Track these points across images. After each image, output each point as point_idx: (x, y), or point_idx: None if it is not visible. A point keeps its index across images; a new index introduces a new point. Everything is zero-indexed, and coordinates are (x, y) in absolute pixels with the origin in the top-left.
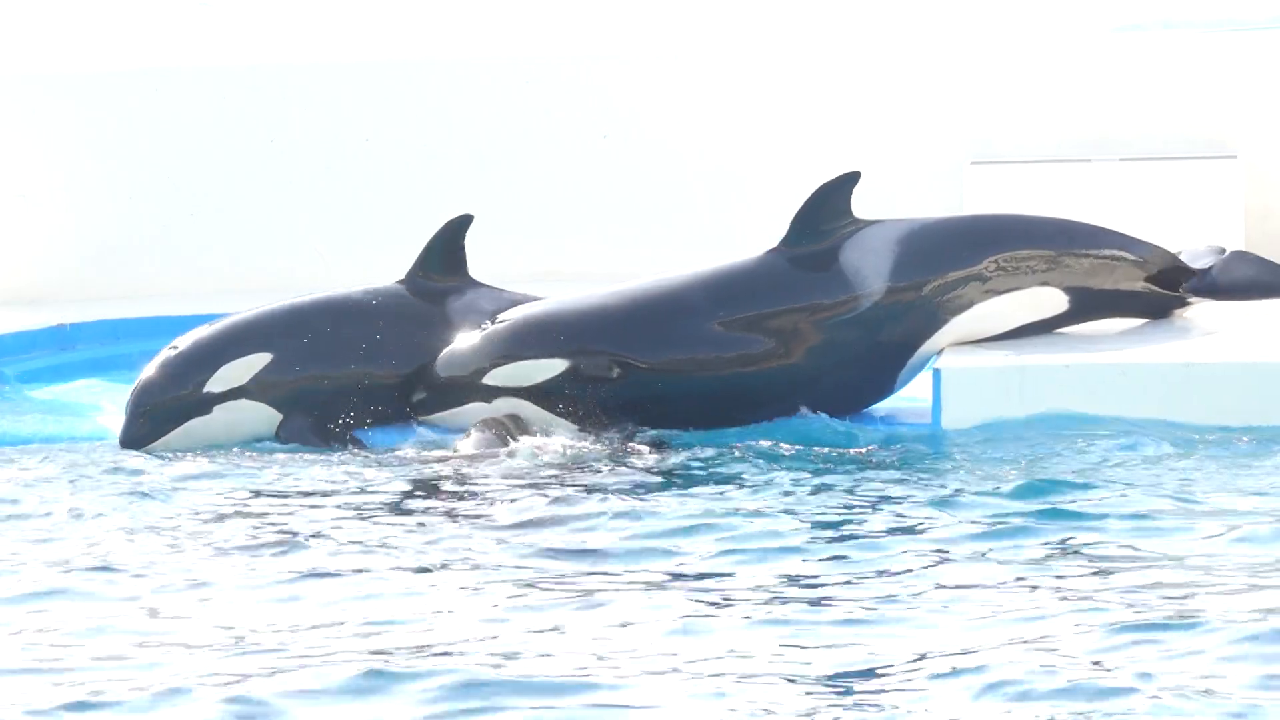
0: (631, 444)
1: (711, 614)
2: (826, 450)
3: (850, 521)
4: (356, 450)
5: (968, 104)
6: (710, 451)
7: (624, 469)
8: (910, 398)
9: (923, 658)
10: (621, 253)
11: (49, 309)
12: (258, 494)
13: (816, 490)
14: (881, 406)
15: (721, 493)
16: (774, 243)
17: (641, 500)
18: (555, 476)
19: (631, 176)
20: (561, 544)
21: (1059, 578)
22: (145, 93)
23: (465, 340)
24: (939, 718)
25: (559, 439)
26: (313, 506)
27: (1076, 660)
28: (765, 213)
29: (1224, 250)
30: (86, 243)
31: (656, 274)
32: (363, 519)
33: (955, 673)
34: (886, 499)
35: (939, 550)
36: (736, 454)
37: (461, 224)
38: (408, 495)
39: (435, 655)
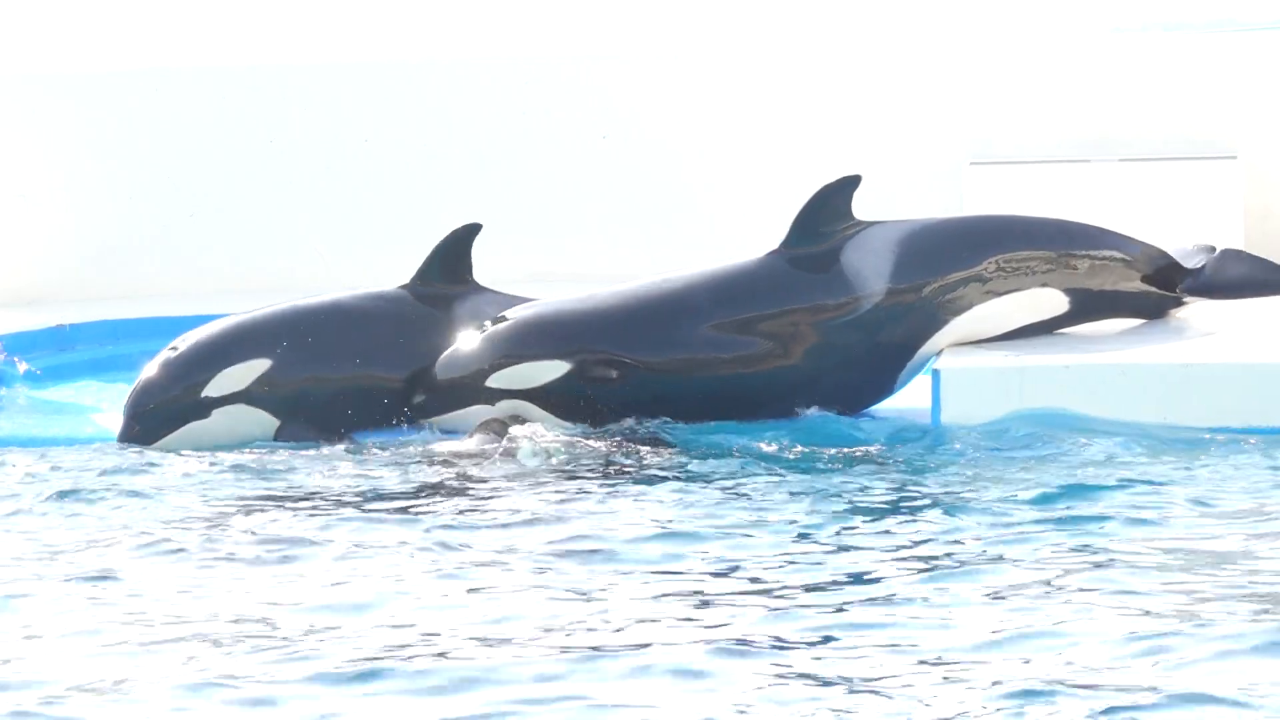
0: (632, 443)
1: (712, 612)
2: (826, 450)
3: (850, 521)
4: (357, 450)
5: (967, 104)
6: (710, 450)
7: (625, 468)
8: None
9: (923, 657)
10: (621, 253)
11: (49, 309)
12: (259, 494)
13: (816, 490)
14: (881, 407)
15: (721, 491)
16: (774, 243)
17: (643, 499)
18: (557, 476)
19: (631, 177)
20: (563, 542)
21: (1058, 577)
22: (145, 93)
23: (466, 342)
24: (940, 716)
25: (561, 439)
26: (313, 505)
27: (1078, 660)
28: (765, 213)
29: (1214, 248)
30: (86, 243)
31: (657, 275)
32: (363, 518)
33: (956, 671)
34: (885, 499)
35: (938, 549)
36: (736, 453)
37: (468, 232)
38: (409, 495)
39: (436, 654)
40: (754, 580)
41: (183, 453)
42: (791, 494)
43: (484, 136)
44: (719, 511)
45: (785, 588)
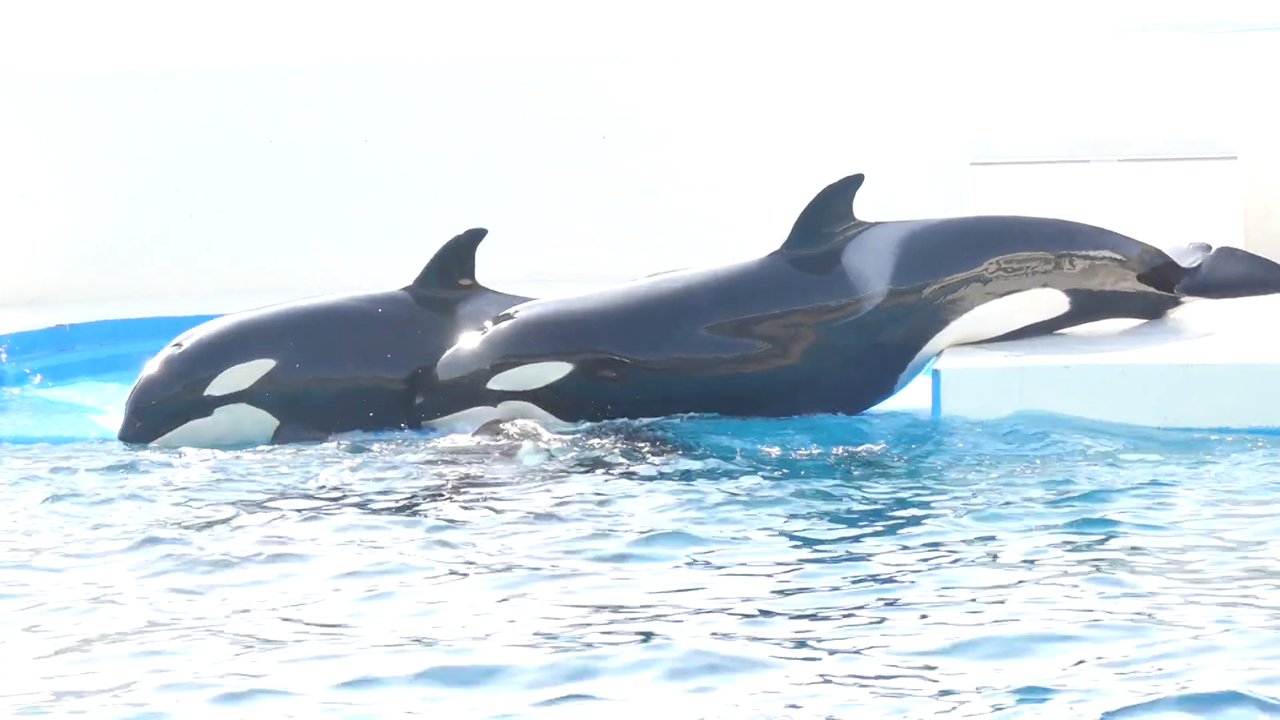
0: (633, 443)
1: (713, 610)
2: (826, 449)
3: (850, 520)
4: (358, 450)
5: (967, 105)
6: (711, 450)
7: (626, 467)
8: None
9: (924, 655)
10: (621, 253)
11: (49, 309)
12: (259, 494)
13: (817, 489)
14: (881, 407)
15: (722, 491)
16: (774, 243)
17: (644, 498)
18: (559, 476)
19: (631, 177)
20: (564, 542)
21: (1059, 577)
22: (145, 93)
23: (467, 343)
24: (940, 714)
25: (562, 438)
26: (314, 506)
27: (1078, 659)
28: (765, 213)
29: (1210, 247)
30: (86, 243)
31: (658, 275)
32: (365, 518)
33: (956, 670)
34: (885, 499)
35: (937, 549)
36: (737, 453)
37: (472, 238)
38: (411, 495)
39: (436, 652)
40: (754, 579)
41: (182, 452)
42: (792, 494)
43: (484, 136)
44: (720, 511)
45: (785, 586)
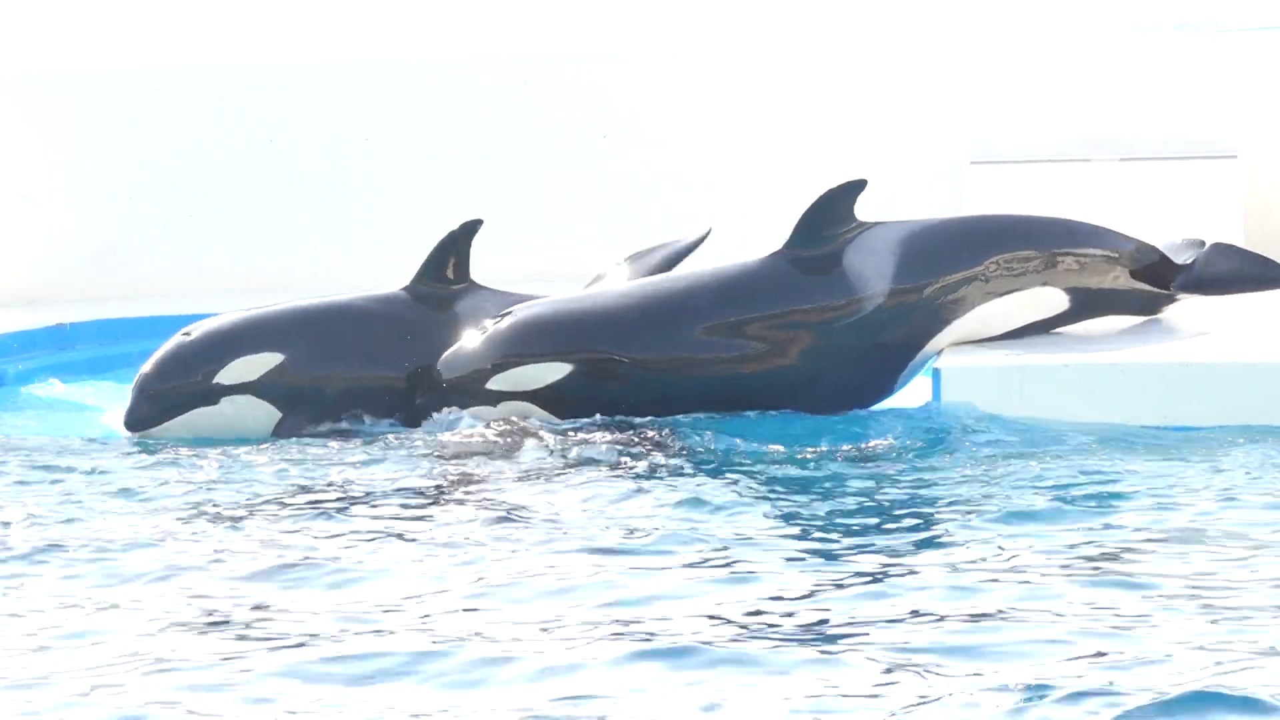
0: (635, 441)
1: (715, 607)
2: (827, 448)
3: (850, 518)
4: (360, 447)
5: (968, 104)
6: (712, 449)
7: (628, 466)
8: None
9: (924, 654)
10: (621, 253)
11: (49, 309)
12: (261, 490)
13: (818, 487)
14: (881, 405)
15: (723, 490)
16: (775, 243)
17: (645, 496)
18: (561, 474)
19: (631, 177)
20: (566, 540)
21: (1058, 574)
22: (145, 93)
23: (467, 343)
24: (940, 713)
25: (565, 437)
26: (317, 502)
27: (1076, 658)
28: (765, 213)
29: (1203, 243)
30: (86, 243)
31: (658, 276)
32: (368, 515)
33: (957, 669)
34: (885, 497)
35: (937, 546)
36: (737, 452)
37: (467, 231)
38: (413, 493)
39: (438, 650)
40: (755, 577)
41: (183, 450)
42: (793, 492)
43: (484, 136)
44: (721, 509)
45: (785, 584)
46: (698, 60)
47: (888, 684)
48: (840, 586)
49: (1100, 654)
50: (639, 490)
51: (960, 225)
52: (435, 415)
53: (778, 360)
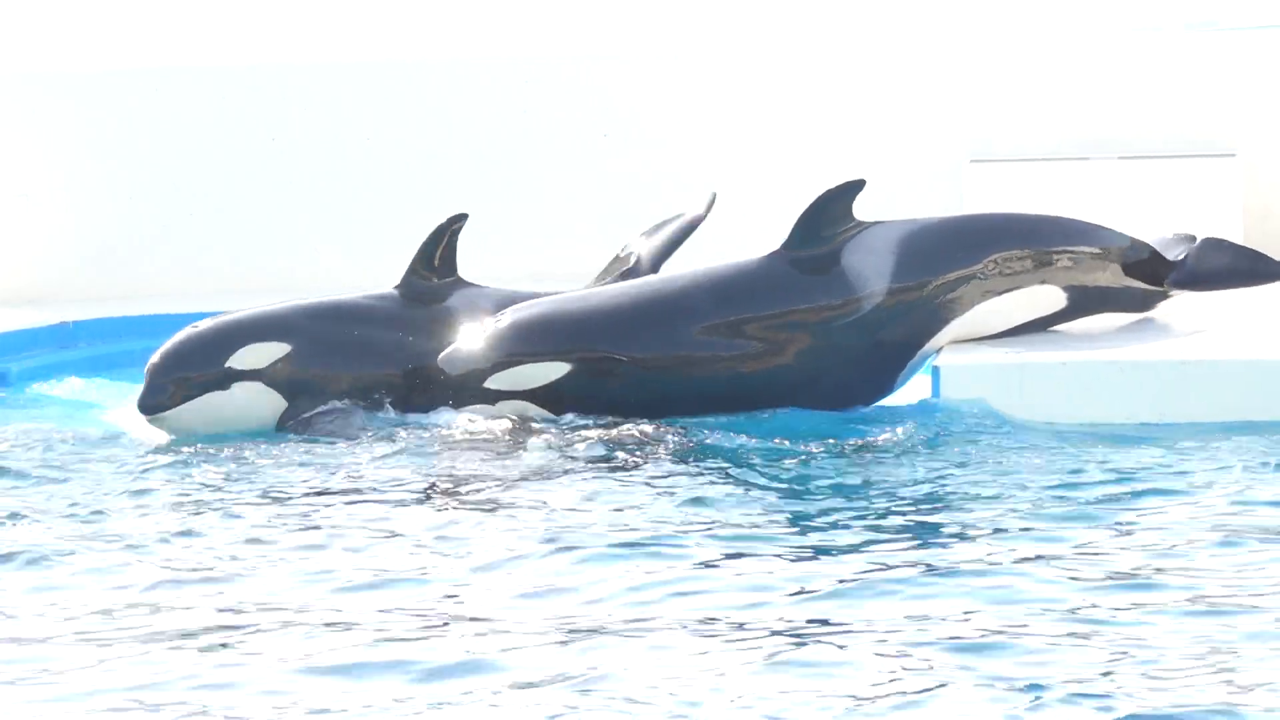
0: (635, 440)
1: (716, 604)
2: (827, 446)
3: (850, 516)
4: (366, 443)
5: (967, 103)
6: (713, 448)
7: (629, 464)
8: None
9: (923, 653)
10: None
11: (49, 308)
12: (264, 485)
13: (818, 486)
14: (880, 403)
15: (723, 488)
16: (774, 242)
17: (647, 495)
18: (564, 471)
19: (631, 177)
20: (569, 537)
21: (1057, 572)
22: (145, 92)
23: (467, 342)
24: (939, 712)
25: (567, 435)
26: (320, 498)
27: (1077, 655)
28: (765, 212)
29: (1194, 238)
30: (86, 242)
31: (657, 275)
32: (373, 511)
33: (956, 668)
34: (885, 495)
35: (936, 544)
36: (737, 451)
37: (452, 223)
38: (417, 490)
39: (440, 646)
40: (755, 575)
41: (185, 447)
42: (792, 490)
43: (484, 136)
44: (720, 508)
45: (785, 583)
46: (698, 60)
47: (887, 683)
48: (839, 584)
49: (1100, 652)
50: (639, 489)
51: (958, 224)
52: (433, 413)
53: (777, 359)
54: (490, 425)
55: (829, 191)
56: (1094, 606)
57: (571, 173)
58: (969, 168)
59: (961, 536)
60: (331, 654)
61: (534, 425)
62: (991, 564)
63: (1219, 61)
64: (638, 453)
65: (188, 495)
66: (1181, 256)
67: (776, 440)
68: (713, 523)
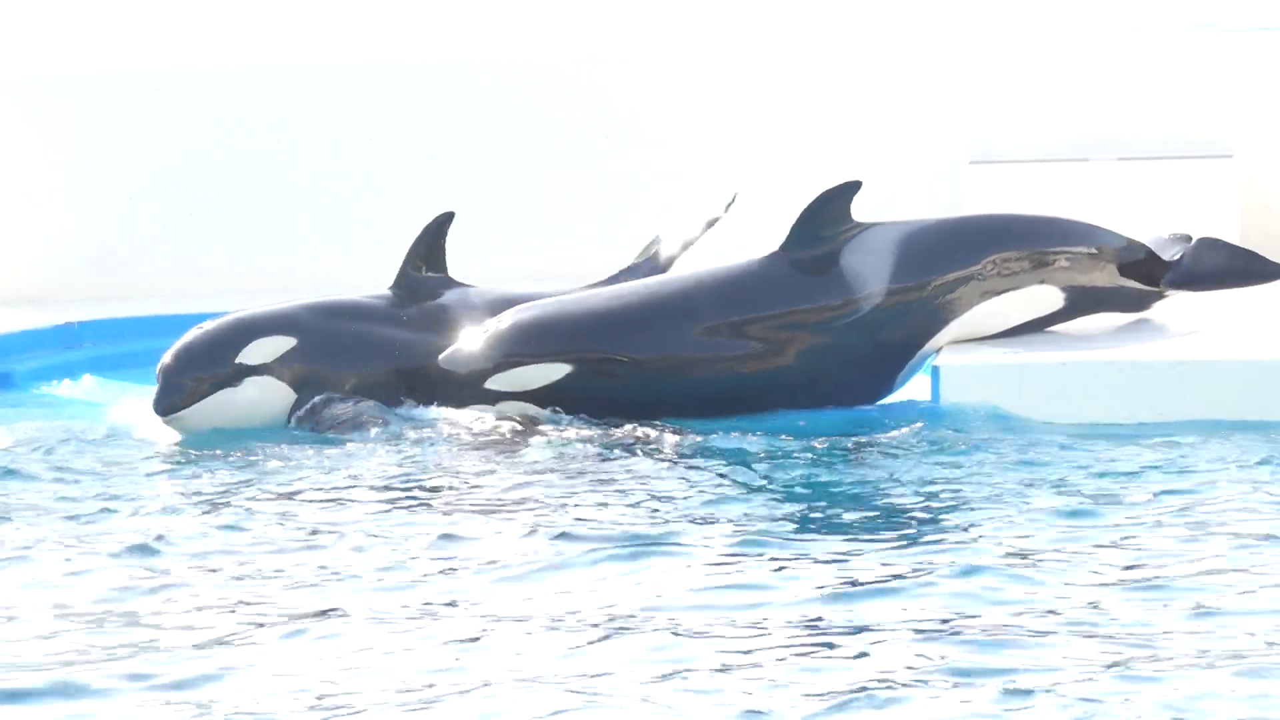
0: (637, 440)
1: (717, 601)
2: (826, 446)
3: (849, 515)
4: (372, 442)
5: (966, 104)
6: (713, 448)
7: (631, 463)
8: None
9: (925, 651)
10: (622, 253)
11: (50, 309)
12: (270, 483)
13: (817, 485)
14: (880, 403)
15: (724, 488)
16: (774, 243)
17: (647, 493)
18: (567, 470)
19: (631, 177)
20: (571, 534)
21: (1056, 571)
22: (145, 94)
23: (468, 342)
24: (939, 710)
25: (570, 434)
26: (322, 500)
27: (1075, 655)
28: (765, 213)
29: (1190, 238)
30: (86, 243)
31: (657, 276)
32: (377, 509)
33: (956, 667)
34: (884, 495)
35: (935, 544)
36: (737, 451)
37: (440, 223)
38: (420, 488)
39: (442, 644)
40: (754, 574)
41: (189, 446)
42: (792, 490)
43: (484, 136)
44: (720, 508)
45: (784, 583)
46: (697, 61)
47: (887, 683)
48: (838, 584)
49: (1099, 652)
50: (639, 490)
51: (956, 225)
52: (434, 413)
53: (777, 360)
54: (490, 426)
55: (826, 193)
56: (1093, 606)
57: (571, 173)
58: (968, 169)
59: (961, 536)
60: (332, 653)
61: (534, 426)
62: (990, 564)
63: (1216, 63)
64: (637, 453)
65: (192, 495)
66: (1178, 256)
67: (775, 441)
68: (712, 523)
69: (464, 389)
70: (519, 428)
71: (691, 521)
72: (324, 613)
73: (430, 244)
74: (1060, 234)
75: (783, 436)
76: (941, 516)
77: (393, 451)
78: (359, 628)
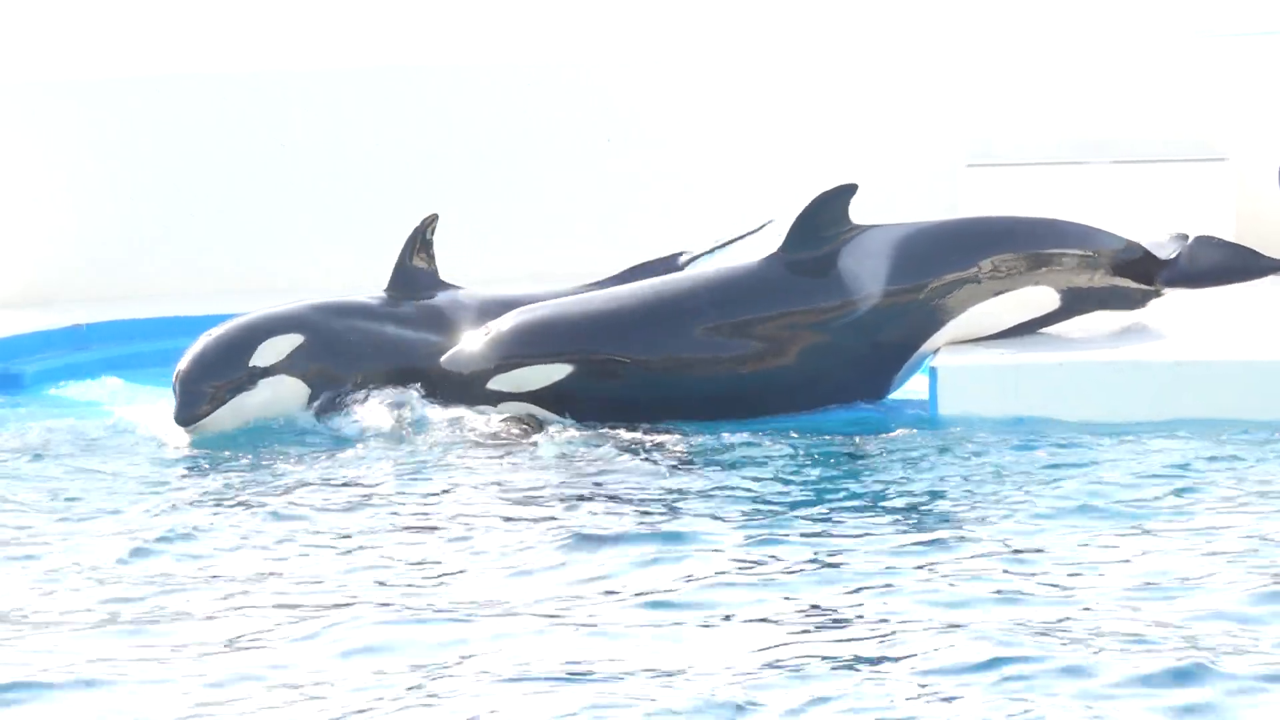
0: (637, 440)
1: (716, 601)
2: (825, 446)
3: (848, 516)
4: (379, 441)
5: (964, 107)
6: (713, 448)
7: (631, 463)
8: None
9: (923, 650)
10: (623, 255)
11: (52, 310)
12: (277, 482)
13: (817, 484)
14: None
15: (723, 487)
16: (774, 244)
17: (648, 492)
18: (562, 471)
19: (631, 177)
20: (573, 532)
21: (1055, 570)
22: (147, 97)
23: (469, 343)
24: (939, 710)
25: (576, 434)
26: (326, 500)
27: (1075, 654)
28: (764, 214)
29: (1187, 236)
30: (87, 245)
31: (657, 278)
32: (381, 507)
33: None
34: (883, 496)
35: (934, 544)
36: (737, 451)
37: (426, 224)
38: (424, 486)
39: (444, 641)
40: (754, 574)
41: (198, 448)
42: (790, 491)
43: (484, 137)
44: (720, 509)
45: (784, 582)
46: (697, 63)
47: (886, 683)
48: (838, 584)
49: (1100, 651)
50: (639, 490)
51: (953, 227)
52: (435, 414)
53: (776, 361)
54: (492, 426)
55: (822, 195)
56: (1092, 607)
57: (571, 173)
58: (965, 172)
59: (959, 537)
60: (333, 652)
61: (536, 427)
62: (989, 564)
63: (1211, 67)
64: (638, 454)
65: (201, 495)
66: (1174, 255)
67: (775, 441)
68: (712, 523)
69: (466, 390)
70: (521, 429)
71: (690, 523)
72: (330, 612)
73: (416, 247)
74: (1055, 235)
75: (781, 438)
76: (940, 517)
77: (394, 452)
78: (365, 627)
